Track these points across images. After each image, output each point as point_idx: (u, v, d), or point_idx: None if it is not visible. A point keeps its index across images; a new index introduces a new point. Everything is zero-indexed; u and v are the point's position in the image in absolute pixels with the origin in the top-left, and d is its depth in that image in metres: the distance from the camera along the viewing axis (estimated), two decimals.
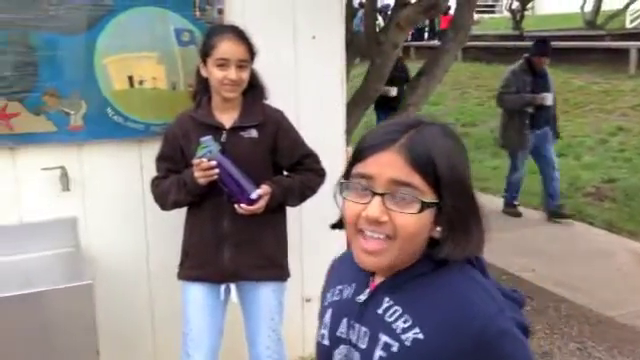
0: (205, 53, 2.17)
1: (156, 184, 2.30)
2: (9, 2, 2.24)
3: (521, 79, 5.54)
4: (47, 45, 2.30)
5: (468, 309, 0.98)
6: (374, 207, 0.98)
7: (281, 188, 2.19)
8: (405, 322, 1.01)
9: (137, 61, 2.43)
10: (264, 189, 2.15)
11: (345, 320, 1.10)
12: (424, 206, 0.98)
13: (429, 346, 0.98)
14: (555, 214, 5.72)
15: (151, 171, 2.36)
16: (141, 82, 2.46)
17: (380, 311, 1.04)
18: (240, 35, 2.17)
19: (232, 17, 2.51)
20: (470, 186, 1.04)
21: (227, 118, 2.21)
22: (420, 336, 0.99)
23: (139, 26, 2.41)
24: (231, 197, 2.14)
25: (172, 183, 2.22)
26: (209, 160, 2.08)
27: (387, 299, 1.05)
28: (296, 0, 2.70)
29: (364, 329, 1.06)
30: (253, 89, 2.25)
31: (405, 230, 0.98)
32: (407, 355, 0.99)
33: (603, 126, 8.94)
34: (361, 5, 11.49)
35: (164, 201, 2.27)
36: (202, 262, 2.28)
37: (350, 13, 4.72)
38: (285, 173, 2.31)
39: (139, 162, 2.54)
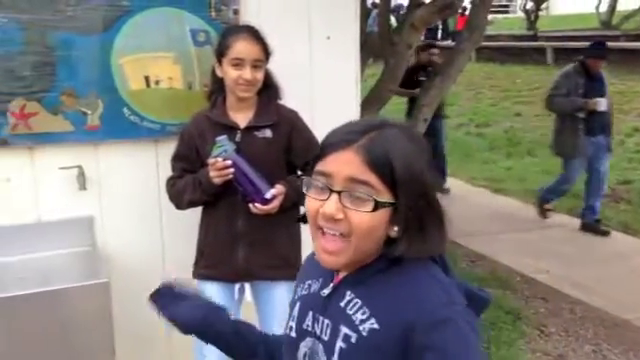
0: (220, 53, 2.18)
1: (172, 183, 2.31)
2: (28, 3, 2.26)
3: (574, 81, 5.24)
4: (65, 45, 2.32)
5: (422, 304, 1.01)
6: (330, 204, 1.02)
7: (295, 188, 2.20)
8: (363, 314, 1.05)
9: (153, 61, 2.45)
10: (278, 189, 2.15)
11: (311, 313, 1.15)
12: (378, 205, 1.01)
13: (384, 336, 1.01)
14: (590, 228, 5.49)
15: (167, 170, 2.37)
16: (157, 82, 2.47)
17: (342, 304, 1.09)
18: (255, 35, 2.18)
19: (247, 17, 2.52)
20: (429, 187, 1.06)
21: (242, 118, 2.22)
22: (376, 326, 1.02)
23: (155, 26, 2.42)
24: (245, 197, 2.15)
25: (187, 182, 2.23)
26: (224, 159, 2.09)
27: (349, 293, 1.09)
28: (311, 0, 2.71)
29: (327, 321, 1.10)
30: (268, 89, 2.26)
31: (359, 228, 1.02)
32: (364, 345, 1.03)
33: (619, 127, 8.86)
34: (374, 5, 11.48)
35: (179, 200, 2.28)
36: (216, 261, 2.29)
37: (364, 13, 4.72)
38: (299, 173, 2.32)
39: (155, 161, 2.55)
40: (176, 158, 2.31)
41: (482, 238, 5.43)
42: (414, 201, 1.03)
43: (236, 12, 2.54)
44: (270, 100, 2.27)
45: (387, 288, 1.06)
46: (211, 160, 2.11)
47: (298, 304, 1.20)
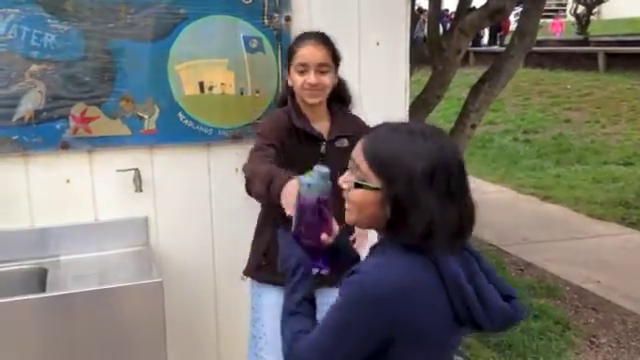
0: (288, 60, 2.18)
1: (255, 156, 2.07)
2: (89, 11, 2.34)
3: None
4: (124, 52, 2.39)
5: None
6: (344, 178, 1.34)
7: None
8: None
9: (208, 67, 2.51)
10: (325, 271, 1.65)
11: None
12: (356, 185, 1.27)
13: None
14: None
15: (218, 174, 2.42)
16: (211, 88, 2.53)
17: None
18: (321, 39, 2.15)
19: (298, 24, 2.55)
20: (417, 178, 1.18)
21: (320, 128, 2.20)
22: None
23: (211, 34, 2.48)
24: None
25: (264, 172, 1.92)
26: (299, 196, 1.54)
27: None
28: (361, 6, 2.73)
29: None
30: (339, 98, 2.25)
31: (352, 198, 1.29)
32: None
33: None
34: (420, 11, 11.42)
35: (251, 181, 2.00)
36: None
37: (413, 19, 4.71)
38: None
39: (207, 165, 2.61)
40: (259, 148, 2.10)
41: (530, 246, 5.35)
42: (400, 188, 1.19)
43: (288, 19, 2.58)
44: (343, 109, 2.26)
45: None
46: (291, 186, 1.73)
47: None
